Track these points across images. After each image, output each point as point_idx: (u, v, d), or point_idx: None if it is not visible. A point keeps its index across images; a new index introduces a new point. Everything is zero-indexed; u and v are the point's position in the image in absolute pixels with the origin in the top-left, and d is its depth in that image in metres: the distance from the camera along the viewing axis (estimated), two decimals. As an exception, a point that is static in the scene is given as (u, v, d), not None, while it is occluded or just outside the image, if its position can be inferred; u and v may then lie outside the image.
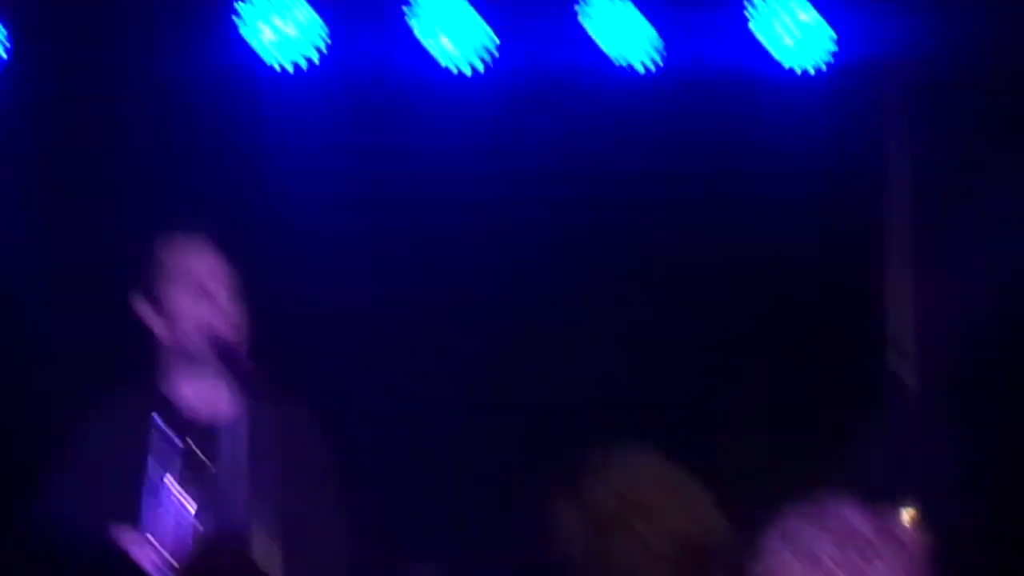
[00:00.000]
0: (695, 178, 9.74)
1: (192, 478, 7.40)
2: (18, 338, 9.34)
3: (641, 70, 9.77)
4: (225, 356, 7.46)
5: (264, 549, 7.17)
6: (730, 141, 9.75)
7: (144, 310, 7.61)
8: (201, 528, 7.25)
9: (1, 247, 9.49)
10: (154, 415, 7.48)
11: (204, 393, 7.57)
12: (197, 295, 7.55)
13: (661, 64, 9.81)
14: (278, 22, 9.74)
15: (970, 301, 8.51)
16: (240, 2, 9.69)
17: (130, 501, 7.33)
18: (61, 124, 9.58)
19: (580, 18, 9.77)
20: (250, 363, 7.50)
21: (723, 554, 5.08)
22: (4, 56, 9.52)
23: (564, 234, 9.88)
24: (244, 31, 9.64)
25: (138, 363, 7.75)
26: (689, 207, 9.73)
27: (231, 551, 6.85)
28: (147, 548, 7.15)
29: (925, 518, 7.09)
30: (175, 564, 6.76)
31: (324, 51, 9.74)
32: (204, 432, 7.46)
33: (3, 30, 9.63)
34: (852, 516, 4.59)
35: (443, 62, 9.84)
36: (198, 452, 7.47)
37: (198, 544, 6.93)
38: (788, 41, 9.75)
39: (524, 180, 9.83)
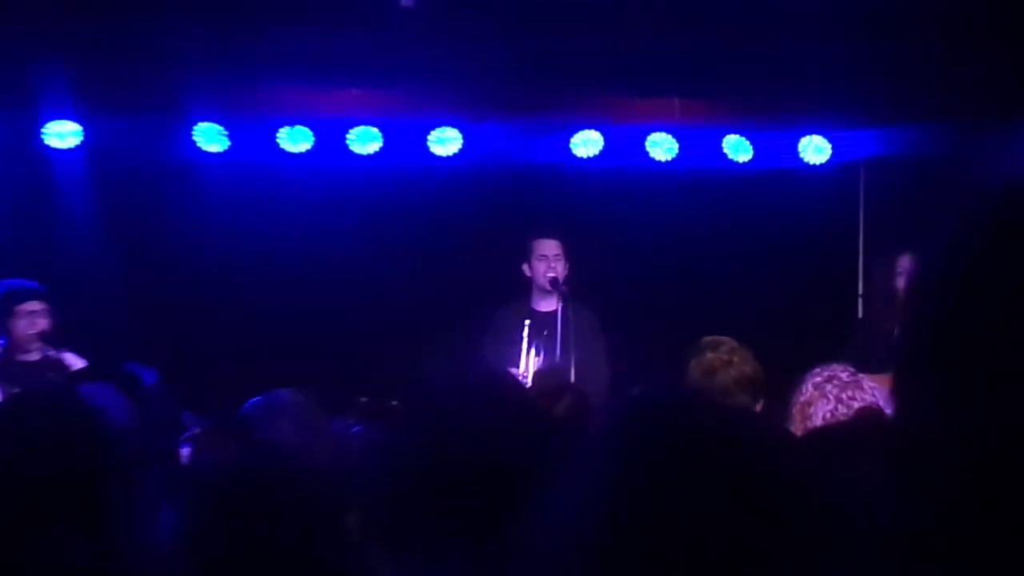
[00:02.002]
0: (753, 218, 9.16)
1: (540, 343, 7.68)
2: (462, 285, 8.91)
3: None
4: (557, 287, 7.78)
5: (575, 374, 7.29)
6: (774, 203, 9.11)
7: (526, 267, 7.95)
8: (544, 365, 7.52)
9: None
10: (526, 315, 7.84)
11: (546, 304, 7.87)
12: (547, 261, 7.87)
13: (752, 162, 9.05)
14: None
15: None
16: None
17: (514, 354, 7.67)
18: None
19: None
20: (567, 289, 7.72)
21: (761, 385, 5.12)
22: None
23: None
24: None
25: (517, 290, 8.02)
26: (747, 237, 9.14)
27: (559, 375, 6.86)
28: (520, 374, 7.37)
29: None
30: (532, 382, 6.75)
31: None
32: (547, 321, 7.76)
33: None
34: (840, 371, 4.60)
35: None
36: (542, 330, 7.67)
37: (544, 372, 7.06)
38: (811, 152, 9.04)
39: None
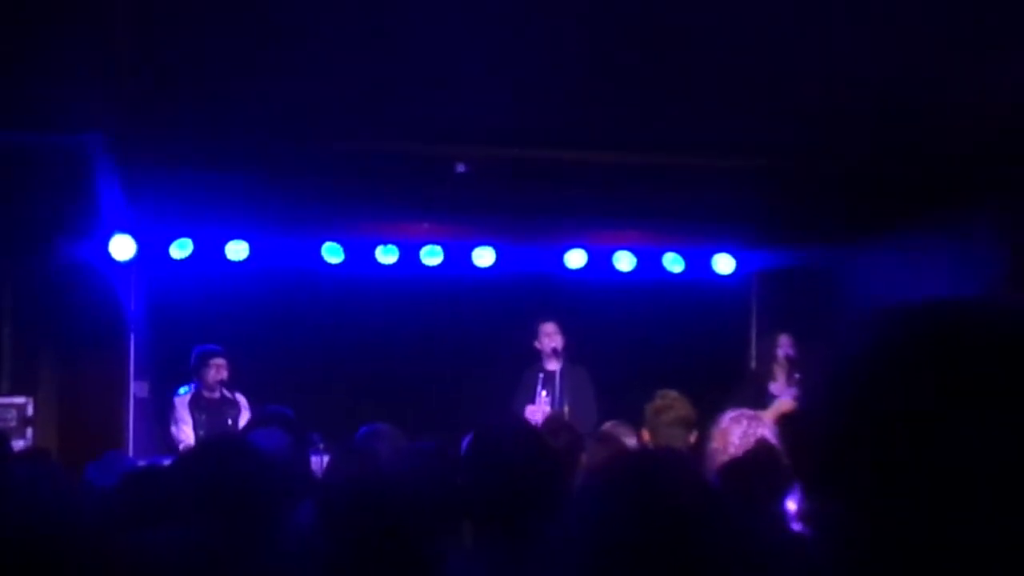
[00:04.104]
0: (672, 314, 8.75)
1: (547, 391, 7.54)
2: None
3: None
4: (557, 353, 7.62)
5: (568, 412, 7.23)
6: (696, 298, 8.78)
7: (536, 342, 7.71)
8: (550, 407, 7.40)
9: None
10: (540, 371, 7.67)
11: (552, 365, 7.65)
12: (550, 336, 7.67)
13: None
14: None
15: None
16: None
17: (528, 398, 7.54)
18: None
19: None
20: (565, 353, 7.50)
21: (694, 422, 4.88)
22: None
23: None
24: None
25: (534, 357, 7.68)
26: (679, 320, 8.74)
27: (559, 415, 6.77)
28: (534, 409, 7.33)
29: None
30: (541, 422, 6.11)
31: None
32: (551, 375, 7.62)
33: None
34: (745, 412, 4.30)
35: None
36: (549, 382, 7.56)
37: (550, 417, 6.66)
38: (720, 264, 8.82)
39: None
